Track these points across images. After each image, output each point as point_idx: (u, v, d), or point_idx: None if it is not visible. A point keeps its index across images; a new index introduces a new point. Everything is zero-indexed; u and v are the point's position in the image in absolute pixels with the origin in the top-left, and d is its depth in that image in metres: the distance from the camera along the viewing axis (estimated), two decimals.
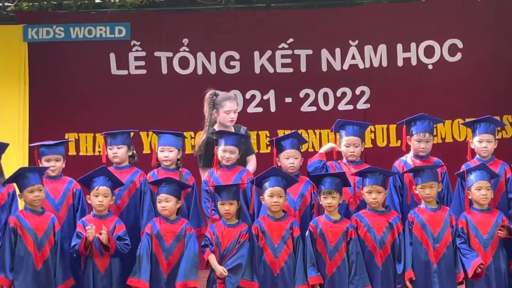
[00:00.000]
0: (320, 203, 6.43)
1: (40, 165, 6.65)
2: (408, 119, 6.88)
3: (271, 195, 6.34)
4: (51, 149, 6.72)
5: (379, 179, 6.39)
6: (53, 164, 6.67)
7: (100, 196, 6.32)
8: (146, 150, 9.26)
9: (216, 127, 7.25)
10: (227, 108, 7.26)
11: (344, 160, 6.89)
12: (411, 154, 6.83)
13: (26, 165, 8.35)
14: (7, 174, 6.87)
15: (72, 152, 9.17)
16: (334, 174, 6.49)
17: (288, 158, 6.68)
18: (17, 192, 6.54)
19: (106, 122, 9.26)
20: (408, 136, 6.83)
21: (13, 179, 6.40)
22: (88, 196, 6.44)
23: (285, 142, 6.75)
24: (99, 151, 9.29)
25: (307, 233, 6.36)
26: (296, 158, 6.70)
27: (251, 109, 9.40)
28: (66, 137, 9.25)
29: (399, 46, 9.22)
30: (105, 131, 9.16)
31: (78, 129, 9.34)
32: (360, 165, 6.83)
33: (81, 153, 9.32)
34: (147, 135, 9.38)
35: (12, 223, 6.23)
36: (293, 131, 7.20)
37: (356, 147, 6.80)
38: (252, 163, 7.25)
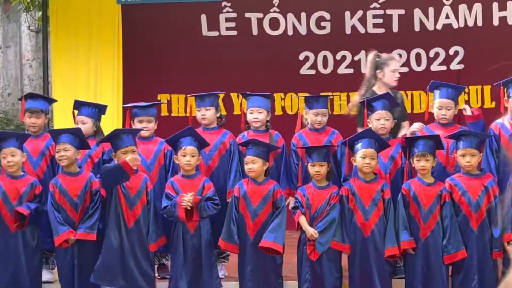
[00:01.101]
0: (413, 165, 6.34)
1: (133, 126, 6.76)
2: (506, 80, 6.67)
3: (364, 157, 6.28)
4: (144, 111, 6.81)
5: (473, 142, 6.24)
6: (145, 125, 6.77)
7: (187, 156, 6.37)
8: (237, 111, 9.27)
9: (377, 88, 7.16)
10: (393, 67, 7.21)
11: (436, 122, 6.76)
12: (508, 116, 6.63)
13: (120, 125, 8.54)
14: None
15: (164, 113, 9.29)
16: (428, 137, 6.37)
17: (379, 120, 6.60)
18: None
19: (197, 83, 9.36)
20: (505, 98, 6.64)
21: (108, 139, 6.53)
22: (175, 156, 6.51)
23: (376, 103, 6.67)
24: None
25: (399, 196, 6.29)
26: (387, 119, 6.61)
27: (342, 70, 9.31)
28: (158, 98, 9.38)
29: (495, 5, 8.93)
30: (196, 92, 9.38)
31: (170, 90, 9.46)
32: (452, 127, 6.69)
33: (173, 114, 9.43)
34: (238, 96, 9.40)
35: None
36: (385, 92, 7.07)
37: (449, 110, 6.65)
38: (404, 130, 7.12)
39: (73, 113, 6.98)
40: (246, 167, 6.39)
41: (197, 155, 6.39)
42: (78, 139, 6.42)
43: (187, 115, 9.33)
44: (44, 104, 6.94)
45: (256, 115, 6.81)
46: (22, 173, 6.49)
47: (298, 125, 6.89)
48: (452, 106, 6.67)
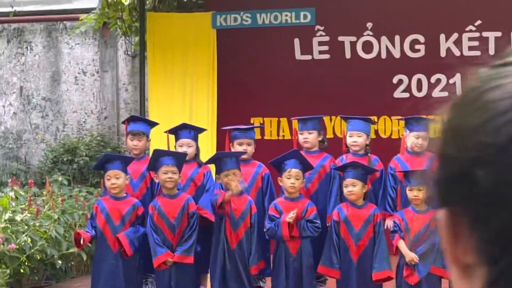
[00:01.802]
0: None
1: (232, 149, 6.84)
2: None
3: None
4: (244, 133, 6.89)
5: None
6: (245, 147, 6.84)
7: (292, 178, 6.39)
8: (329, 135, 9.30)
9: None
10: None
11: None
12: None
13: (215, 148, 8.66)
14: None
15: (257, 136, 9.32)
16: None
17: None
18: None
19: (290, 107, 9.42)
20: None
21: (211, 162, 6.62)
22: (279, 178, 6.54)
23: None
24: (283, 135, 9.50)
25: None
26: None
27: (437, 93, 9.20)
28: (251, 121, 9.49)
29: None
30: (289, 115, 9.43)
31: (263, 114, 9.55)
32: None
33: (265, 137, 9.50)
34: (330, 119, 9.43)
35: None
36: None
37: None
38: None
39: (168, 135, 7.07)
40: (345, 190, 6.37)
41: (301, 178, 6.41)
42: (181, 161, 6.53)
43: (280, 138, 9.48)
44: (146, 127, 7.08)
45: (356, 138, 6.80)
46: (125, 195, 6.62)
47: (403, 148, 6.85)
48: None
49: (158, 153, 6.57)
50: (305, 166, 6.49)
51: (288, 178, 6.39)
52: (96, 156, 10.35)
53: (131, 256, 6.44)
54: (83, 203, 7.97)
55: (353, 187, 6.32)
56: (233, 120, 9.27)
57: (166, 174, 6.42)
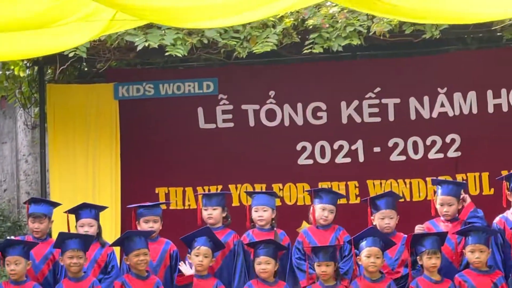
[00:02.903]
0: (420, 263, 6.31)
1: (138, 227, 6.72)
2: (509, 174, 6.72)
3: (368, 256, 6.26)
4: (150, 210, 6.81)
5: (482, 238, 6.24)
6: (151, 225, 6.76)
7: (200, 256, 6.32)
8: (235, 203, 9.28)
9: None
10: None
11: (442, 218, 6.76)
12: None
13: (119, 225, 8.50)
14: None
15: (162, 206, 9.23)
16: (437, 234, 6.37)
17: (383, 219, 6.60)
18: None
19: (195, 176, 9.38)
20: (508, 192, 6.66)
21: (119, 242, 6.49)
22: (188, 255, 6.45)
23: (380, 202, 6.68)
24: (189, 205, 9.41)
25: None
26: (391, 218, 6.62)
27: (339, 159, 9.32)
28: (156, 191, 9.38)
29: (489, 93, 9.03)
30: (195, 184, 9.38)
31: (168, 183, 9.43)
32: (456, 222, 6.69)
33: (171, 207, 9.39)
34: (236, 187, 9.41)
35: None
36: (388, 191, 7.08)
37: (451, 206, 6.69)
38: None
39: (67, 215, 6.92)
40: (259, 267, 6.31)
41: (210, 256, 6.34)
42: (88, 245, 6.38)
43: (185, 207, 9.38)
44: (48, 208, 6.92)
45: (261, 213, 6.81)
46: (25, 279, 6.40)
47: (314, 220, 6.86)
48: (454, 202, 6.70)
49: (64, 236, 6.40)
50: (216, 245, 6.44)
51: (197, 256, 6.33)
52: None
53: None
54: None
55: (267, 265, 6.30)
56: (138, 191, 9.17)
57: (71, 259, 6.27)
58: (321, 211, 6.81)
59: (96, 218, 6.87)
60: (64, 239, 6.38)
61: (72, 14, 4.82)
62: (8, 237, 6.85)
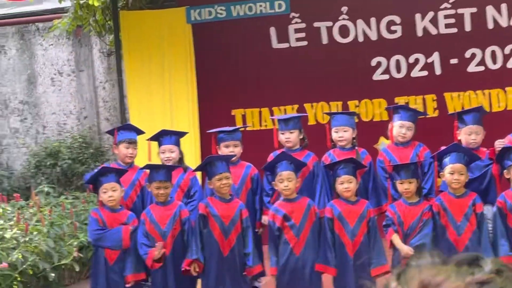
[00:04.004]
0: (507, 177, 6.23)
1: (219, 151, 6.80)
2: None
3: (452, 172, 6.21)
4: (230, 135, 6.85)
5: None
6: (232, 149, 6.81)
7: (284, 181, 6.36)
8: (311, 122, 9.30)
9: None
10: None
11: None
12: None
13: (199, 148, 8.61)
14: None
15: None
16: None
17: (470, 134, 6.52)
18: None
19: (270, 96, 9.41)
20: None
21: (202, 168, 6.59)
22: (273, 182, 6.49)
23: (467, 117, 6.58)
24: (265, 125, 9.46)
25: (494, 209, 6.20)
26: (478, 134, 6.53)
27: (415, 73, 9.21)
28: (232, 113, 9.46)
29: None
30: (270, 105, 9.41)
31: (244, 105, 9.50)
32: None
33: (248, 128, 9.46)
34: (311, 106, 9.41)
35: (201, 210, 6.42)
36: (476, 106, 6.93)
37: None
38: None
39: (149, 143, 7.03)
40: (341, 186, 6.30)
41: (294, 178, 6.36)
42: (170, 174, 6.50)
43: (262, 128, 9.44)
44: (136, 135, 7.03)
45: (342, 133, 6.79)
46: (120, 207, 6.58)
47: (391, 137, 6.84)
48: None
49: (151, 167, 6.54)
50: (297, 166, 6.46)
51: (281, 182, 6.36)
52: (79, 158, 10.29)
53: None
54: (70, 212, 7.93)
55: (349, 184, 6.29)
56: (215, 114, 9.26)
57: (159, 190, 6.41)
58: (399, 128, 6.75)
59: (177, 144, 6.94)
60: (151, 169, 6.51)
61: None
62: (103, 165, 6.94)
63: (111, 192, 6.38)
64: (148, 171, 6.59)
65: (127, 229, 6.37)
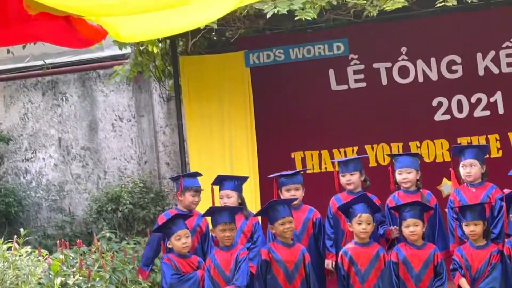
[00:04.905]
0: None
1: (281, 196, 6.76)
2: None
3: None
4: (291, 179, 6.82)
5: None
6: (293, 193, 6.78)
7: (363, 224, 6.29)
8: (372, 163, 9.20)
9: None
10: None
11: None
12: None
13: (258, 192, 8.58)
14: None
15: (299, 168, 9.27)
16: None
17: None
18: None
19: (330, 138, 9.35)
20: None
21: (264, 212, 6.57)
22: (349, 224, 6.42)
23: None
24: (326, 168, 9.39)
25: None
26: None
27: (478, 113, 9.06)
28: (292, 155, 9.41)
29: None
30: (330, 147, 9.34)
31: (304, 147, 9.44)
32: None
33: (308, 171, 9.40)
34: (372, 148, 9.32)
35: (263, 255, 6.37)
36: None
37: None
38: None
39: (212, 188, 7.05)
40: (407, 230, 6.21)
41: (371, 222, 6.30)
42: (234, 216, 6.50)
43: (322, 170, 9.36)
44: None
45: (406, 175, 6.71)
46: (189, 253, 6.62)
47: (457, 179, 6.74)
48: None
49: (214, 210, 6.54)
50: (374, 209, 6.39)
51: (359, 224, 6.28)
52: (139, 203, 10.33)
53: None
54: (132, 257, 7.94)
55: (415, 227, 6.19)
56: (275, 157, 9.23)
57: (224, 232, 6.40)
58: (462, 169, 6.64)
59: (236, 189, 6.94)
60: (214, 212, 6.51)
61: None
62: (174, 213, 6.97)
63: (184, 238, 6.43)
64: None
65: (202, 273, 6.39)
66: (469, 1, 7.77)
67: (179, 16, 5.08)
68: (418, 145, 9.20)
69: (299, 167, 9.29)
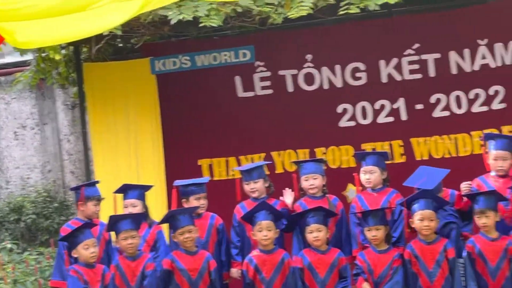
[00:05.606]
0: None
1: (186, 204, 6.71)
2: None
3: (422, 219, 6.17)
4: (200, 188, 6.79)
5: None
6: (203, 202, 6.76)
7: (264, 231, 6.30)
8: (279, 170, 9.24)
9: None
10: None
11: (492, 173, 6.64)
12: None
13: (166, 199, 8.49)
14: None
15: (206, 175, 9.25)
16: (487, 192, 6.26)
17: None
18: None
19: (237, 146, 9.34)
20: None
21: (165, 221, 6.50)
22: (252, 232, 6.42)
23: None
24: (233, 175, 9.37)
25: (464, 253, 6.17)
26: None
27: (382, 119, 9.21)
28: (199, 163, 9.37)
29: None
30: (237, 154, 9.34)
31: (211, 155, 9.40)
32: (508, 178, 6.57)
33: (215, 178, 9.38)
34: (278, 154, 9.36)
35: (166, 265, 6.31)
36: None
37: (505, 160, 6.55)
38: None
39: (115, 196, 6.96)
40: (310, 236, 6.27)
41: (273, 228, 6.31)
42: (139, 222, 6.41)
43: (229, 177, 9.34)
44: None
45: (312, 181, 6.77)
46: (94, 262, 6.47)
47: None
48: (509, 156, 6.56)
49: (115, 219, 6.43)
50: (276, 216, 6.41)
51: (260, 231, 6.29)
52: (43, 213, 10.11)
53: None
54: (35, 268, 7.75)
55: (318, 233, 6.25)
56: (182, 164, 9.16)
57: (126, 240, 6.30)
58: (363, 174, 6.75)
59: (140, 198, 6.88)
60: (115, 221, 6.41)
61: None
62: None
63: (92, 248, 6.30)
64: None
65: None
66: (372, 10, 7.88)
67: (77, 22, 4.99)
68: (324, 151, 9.28)
69: (206, 174, 9.24)
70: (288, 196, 6.75)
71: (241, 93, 9.37)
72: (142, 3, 4.97)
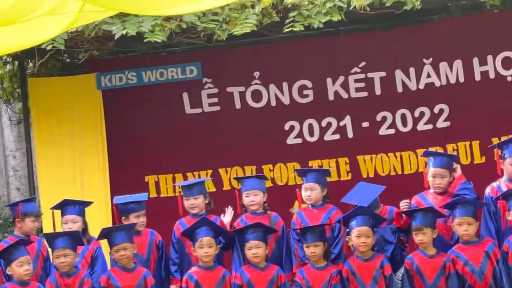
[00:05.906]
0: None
1: (126, 221, 6.67)
2: (500, 142, 6.67)
3: (359, 236, 6.20)
4: (141, 205, 6.75)
5: (469, 211, 6.18)
6: (142, 219, 6.72)
7: (204, 247, 6.27)
8: (226, 187, 9.22)
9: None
10: None
11: (431, 190, 6.70)
12: (504, 178, 6.59)
13: (110, 215, 8.42)
14: (94, 226, 7.01)
15: (153, 194, 9.20)
16: (425, 209, 6.30)
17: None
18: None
19: (184, 162, 9.31)
20: (500, 160, 6.60)
21: (102, 238, 6.44)
22: (193, 248, 6.39)
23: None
24: (180, 191, 9.32)
25: (402, 270, 6.20)
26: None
27: (328, 136, 9.25)
28: (146, 180, 9.31)
29: (475, 60, 8.94)
30: (184, 171, 9.31)
31: (157, 171, 9.36)
32: (446, 195, 6.63)
33: (161, 195, 9.33)
34: (226, 171, 9.34)
35: (102, 282, 6.24)
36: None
37: (443, 178, 6.60)
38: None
39: (53, 212, 6.89)
40: (249, 252, 6.26)
41: (214, 245, 6.28)
42: (76, 241, 6.33)
43: (176, 194, 9.27)
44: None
45: (253, 197, 6.76)
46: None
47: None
48: (447, 174, 6.62)
49: (50, 236, 6.36)
50: (217, 233, 6.38)
51: (201, 248, 6.27)
52: None
53: None
54: None
55: (257, 249, 6.24)
56: (127, 180, 9.09)
57: (58, 259, 6.23)
58: (304, 191, 6.77)
59: (80, 214, 6.82)
60: (51, 238, 6.33)
61: (39, 8, 4.71)
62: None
63: (27, 265, 6.20)
64: None
65: None
66: (316, 27, 7.93)
67: (7, 34, 4.93)
68: (271, 168, 9.29)
69: (152, 191, 9.21)
70: (227, 215, 6.74)
71: (188, 109, 9.34)
72: (75, 17, 4.94)
